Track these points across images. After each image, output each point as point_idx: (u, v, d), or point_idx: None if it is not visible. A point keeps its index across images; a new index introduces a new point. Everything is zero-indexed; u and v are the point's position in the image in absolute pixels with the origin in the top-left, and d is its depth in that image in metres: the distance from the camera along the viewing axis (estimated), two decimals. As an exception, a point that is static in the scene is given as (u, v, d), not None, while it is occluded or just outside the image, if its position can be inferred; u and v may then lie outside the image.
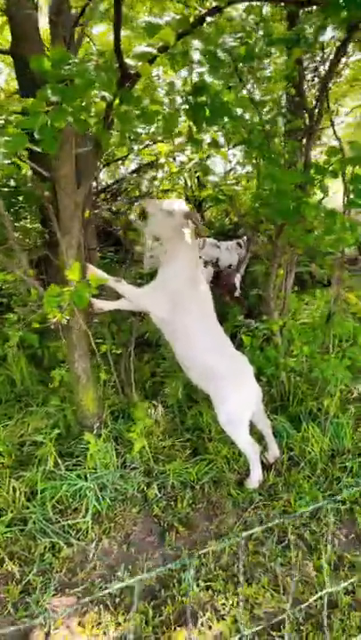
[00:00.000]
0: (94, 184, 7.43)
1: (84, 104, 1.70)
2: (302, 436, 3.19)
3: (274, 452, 3.03)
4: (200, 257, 5.44)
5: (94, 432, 3.04)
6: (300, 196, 2.31)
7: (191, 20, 1.85)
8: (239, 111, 2.51)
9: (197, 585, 2.32)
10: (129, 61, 1.88)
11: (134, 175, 6.37)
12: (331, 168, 2.35)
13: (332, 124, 3.33)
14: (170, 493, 2.90)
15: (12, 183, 4.81)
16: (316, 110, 3.16)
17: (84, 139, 3.56)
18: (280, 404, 3.57)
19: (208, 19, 1.89)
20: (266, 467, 3.04)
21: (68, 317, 2.28)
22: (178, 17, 1.79)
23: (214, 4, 1.87)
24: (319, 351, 3.78)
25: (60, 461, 2.90)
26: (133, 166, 7.19)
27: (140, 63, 1.85)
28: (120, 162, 7.15)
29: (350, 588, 2.28)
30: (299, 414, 3.39)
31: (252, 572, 2.39)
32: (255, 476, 2.89)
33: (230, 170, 5.25)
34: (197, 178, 7.32)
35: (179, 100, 2.22)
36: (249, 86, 2.60)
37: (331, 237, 2.62)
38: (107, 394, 3.55)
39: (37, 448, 3.02)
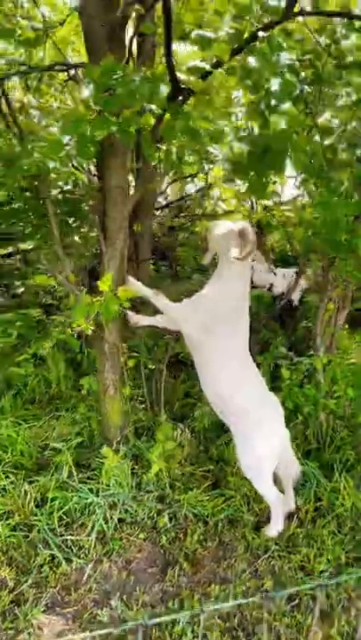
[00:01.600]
0: (160, 199, 7.55)
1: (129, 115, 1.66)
2: (333, 486, 2.93)
3: (289, 504, 2.79)
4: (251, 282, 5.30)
5: (113, 447, 2.96)
6: (354, 228, 2.14)
7: (246, 35, 1.77)
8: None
9: (192, 631, 2.15)
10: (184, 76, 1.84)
11: (198, 193, 6.38)
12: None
13: None
14: (181, 525, 2.75)
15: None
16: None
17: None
18: (315, 446, 3.32)
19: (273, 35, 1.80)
20: (288, 515, 2.81)
21: (92, 328, 2.23)
22: (231, 31, 1.72)
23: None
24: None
25: (75, 471, 2.85)
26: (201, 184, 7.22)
27: (192, 78, 1.80)
28: (189, 179, 7.19)
29: (362, 671, 2.02)
30: (333, 462, 3.12)
31: (254, 628, 2.18)
32: (275, 525, 2.67)
33: (296, 196, 5.10)
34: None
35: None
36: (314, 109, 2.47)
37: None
38: (135, 409, 3.48)
39: (57, 454, 2.99)
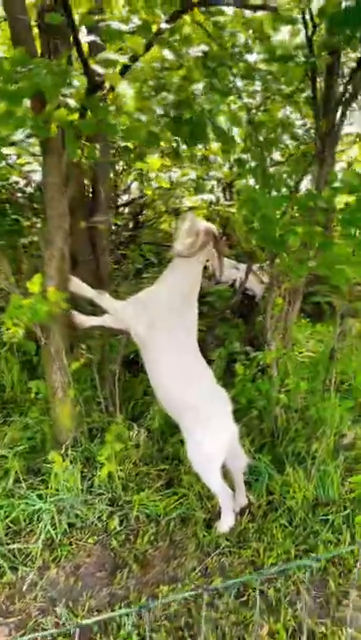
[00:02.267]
0: (125, 197, 7.45)
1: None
2: (285, 480, 2.95)
3: (241, 499, 2.79)
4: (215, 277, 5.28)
5: (62, 451, 2.91)
6: (288, 224, 2.14)
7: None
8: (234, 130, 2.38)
9: (138, 634, 2.12)
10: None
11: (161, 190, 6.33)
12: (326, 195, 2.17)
13: None
14: (132, 526, 2.72)
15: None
16: (330, 135, 2.98)
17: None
18: (269, 440, 3.34)
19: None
20: (241, 510, 2.81)
21: (22, 331, 2.18)
22: (139, 23, 1.69)
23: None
24: (320, 389, 3.54)
25: (23, 478, 2.79)
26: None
27: (110, 71, 1.76)
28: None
29: (305, 663, 2.03)
30: (286, 455, 3.14)
31: (200, 628, 2.17)
32: (226, 521, 2.67)
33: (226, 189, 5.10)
34: (227, 194, 7.20)
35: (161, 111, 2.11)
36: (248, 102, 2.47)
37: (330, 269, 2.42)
38: (90, 410, 3.43)
39: (4, 461, 2.92)
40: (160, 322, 2.66)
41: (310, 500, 2.88)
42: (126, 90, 1.86)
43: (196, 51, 1.99)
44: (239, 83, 2.29)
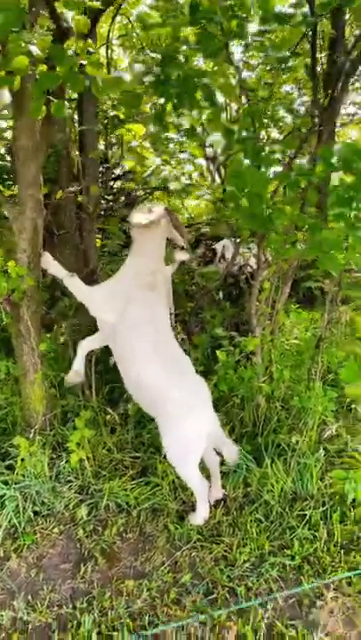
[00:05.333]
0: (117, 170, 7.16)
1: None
2: (263, 472, 2.83)
3: (216, 492, 2.67)
4: (224, 258, 5.08)
5: (31, 435, 2.77)
6: (276, 202, 1.96)
7: None
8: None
9: (98, 632, 2.01)
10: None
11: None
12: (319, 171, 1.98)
13: None
14: (101, 516, 2.60)
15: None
16: (329, 109, 2.78)
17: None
18: (250, 430, 3.21)
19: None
20: (216, 502, 2.70)
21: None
22: None
23: None
24: (304, 378, 3.41)
25: (-11, 462, 2.65)
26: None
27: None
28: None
29: (271, 668, 1.93)
30: (266, 446, 3.02)
31: (164, 627, 2.06)
32: (201, 513, 2.55)
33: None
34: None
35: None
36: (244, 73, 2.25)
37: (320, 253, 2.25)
38: (65, 393, 3.27)
39: (-31, 443, 2.78)
40: (128, 309, 2.52)
41: (288, 493, 2.77)
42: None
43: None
44: (232, 44, 2.09)
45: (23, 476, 2.62)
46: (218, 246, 5.21)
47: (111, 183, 6.67)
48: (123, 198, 6.64)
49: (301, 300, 5.39)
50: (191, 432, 2.44)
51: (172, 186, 4.69)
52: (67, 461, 2.76)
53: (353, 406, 3.55)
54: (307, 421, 3.08)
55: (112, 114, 4.67)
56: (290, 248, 2.15)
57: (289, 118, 3.18)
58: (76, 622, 2.05)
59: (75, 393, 3.29)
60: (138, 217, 2.42)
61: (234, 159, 2.17)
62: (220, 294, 4.79)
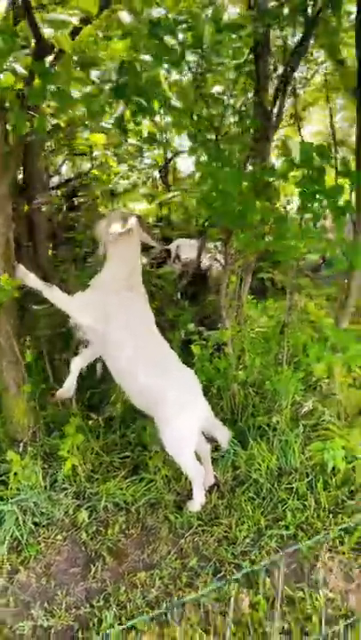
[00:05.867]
0: (55, 178, 7.09)
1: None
2: (249, 453, 2.99)
3: (209, 478, 2.82)
4: (178, 259, 5.20)
5: (21, 448, 2.76)
6: (248, 199, 2.12)
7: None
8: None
9: (120, 624, 2.08)
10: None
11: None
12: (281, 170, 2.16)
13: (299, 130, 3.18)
14: (101, 517, 2.65)
15: None
16: (276, 111, 2.99)
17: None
18: (230, 417, 3.37)
19: None
20: (209, 488, 2.83)
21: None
22: None
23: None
24: (273, 363, 3.62)
25: (-21, 481, 2.62)
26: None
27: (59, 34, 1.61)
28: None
29: (286, 627, 2.09)
30: (248, 429, 3.19)
31: (183, 609, 2.16)
32: (198, 500, 2.67)
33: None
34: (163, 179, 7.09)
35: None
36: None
37: (283, 244, 2.45)
38: (44, 403, 3.27)
39: None
40: (113, 313, 2.60)
41: (274, 470, 2.95)
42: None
43: (145, 17, 1.89)
44: (190, 55, 2.22)
45: (18, 489, 2.62)
46: (172, 247, 5.35)
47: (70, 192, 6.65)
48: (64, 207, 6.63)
49: (254, 290, 5.65)
50: (187, 426, 2.57)
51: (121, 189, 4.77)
52: (59, 470, 2.78)
53: (318, 384, 3.81)
54: (280, 402, 3.28)
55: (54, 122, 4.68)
56: (258, 241, 2.32)
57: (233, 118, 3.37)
58: (96, 620, 2.10)
59: (54, 403, 3.29)
60: (114, 227, 2.51)
61: (199, 162, 2.30)
62: (178, 294, 4.94)
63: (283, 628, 2.08)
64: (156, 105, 2.32)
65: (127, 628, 2.05)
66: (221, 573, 2.36)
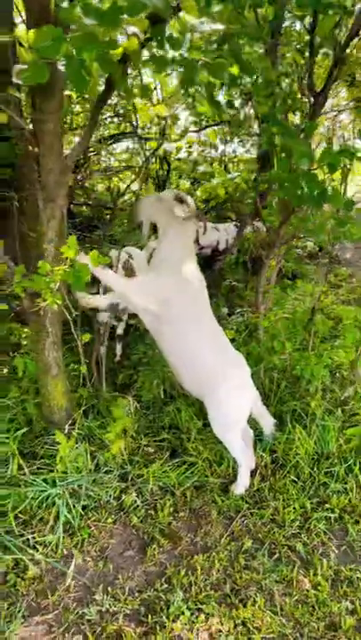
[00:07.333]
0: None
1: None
2: (286, 437, 3.01)
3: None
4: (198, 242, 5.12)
5: (65, 430, 2.69)
6: (324, 181, 2.09)
7: None
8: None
9: (188, 608, 2.07)
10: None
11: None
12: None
13: None
14: (148, 500, 2.62)
15: None
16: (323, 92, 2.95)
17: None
18: (264, 402, 3.37)
19: None
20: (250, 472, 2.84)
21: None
22: None
23: None
24: (298, 348, 3.64)
25: (19, 464, 2.53)
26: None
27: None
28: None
29: (351, 608, 2.13)
30: (281, 414, 3.21)
31: (246, 592, 2.17)
32: (243, 483, 2.69)
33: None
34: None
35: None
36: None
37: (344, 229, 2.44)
38: (72, 386, 3.18)
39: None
40: (171, 295, 2.56)
41: (311, 455, 2.98)
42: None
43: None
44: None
45: (64, 472, 2.55)
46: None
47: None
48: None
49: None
50: (239, 408, 2.57)
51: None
52: (103, 453, 2.72)
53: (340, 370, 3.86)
54: (310, 387, 3.31)
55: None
56: (322, 225, 2.30)
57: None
58: (162, 603, 2.09)
59: (83, 385, 3.22)
60: (178, 210, 2.45)
61: (271, 140, 2.23)
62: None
63: (346, 607, 2.12)
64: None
65: (196, 610, 2.05)
66: (276, 555, 2.38)
